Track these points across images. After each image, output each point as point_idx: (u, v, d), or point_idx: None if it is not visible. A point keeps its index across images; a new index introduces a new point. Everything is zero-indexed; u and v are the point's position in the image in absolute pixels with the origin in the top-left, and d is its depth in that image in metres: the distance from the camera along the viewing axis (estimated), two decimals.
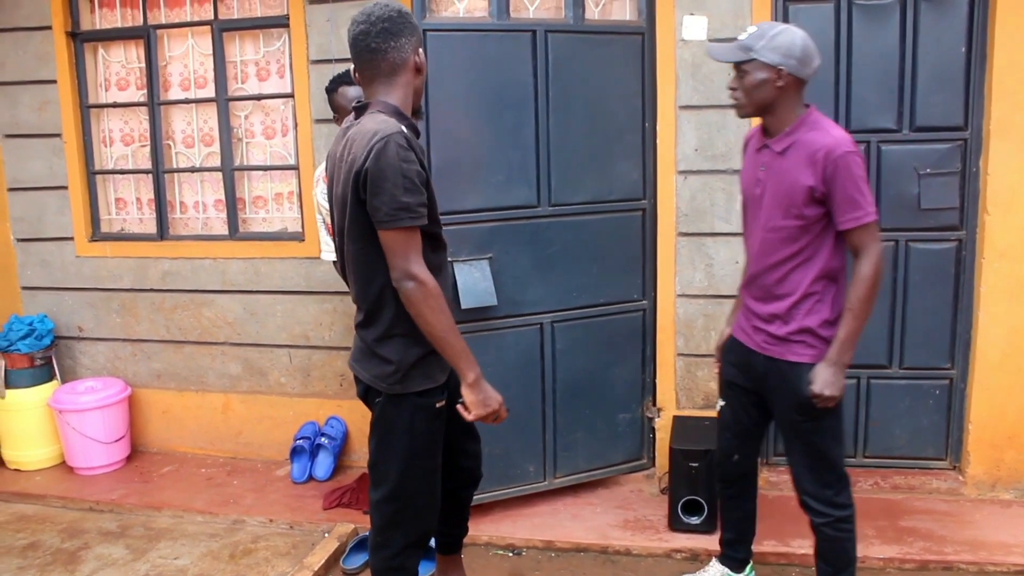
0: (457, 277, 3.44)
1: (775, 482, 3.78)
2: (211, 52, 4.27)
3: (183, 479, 4.27)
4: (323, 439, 4.18)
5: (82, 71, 4.44)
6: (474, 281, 3.47)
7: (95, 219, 4.57)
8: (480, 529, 3.56)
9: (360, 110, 2.22)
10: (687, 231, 3.78)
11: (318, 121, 4.07)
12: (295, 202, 4.31)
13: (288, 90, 4.19)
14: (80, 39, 4.41)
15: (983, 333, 3.61)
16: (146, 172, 4.48)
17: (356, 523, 3.64)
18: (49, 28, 4.34)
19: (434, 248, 2.24)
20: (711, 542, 3.22)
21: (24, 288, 4.66)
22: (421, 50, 2.22)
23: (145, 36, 4.33)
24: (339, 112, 3.44)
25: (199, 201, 4.48)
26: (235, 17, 4.23)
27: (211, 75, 4.30)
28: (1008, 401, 3.62)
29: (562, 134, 3.58)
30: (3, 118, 4.52)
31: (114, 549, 3.61)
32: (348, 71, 3.45)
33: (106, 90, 4.52)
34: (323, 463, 4.16)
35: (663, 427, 3.87)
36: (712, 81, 3.62)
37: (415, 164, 2.07)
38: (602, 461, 3.90)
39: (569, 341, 3.73)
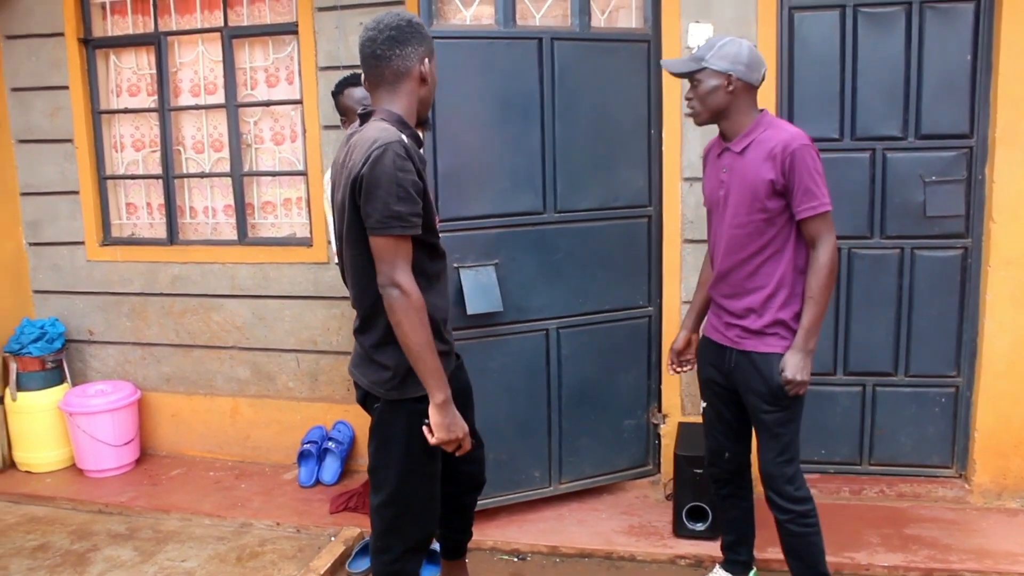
0: (463, 283, 3.46)
1: None
2: (221, 58, 4.31)
3: (191, 482, 4.30)
4: (330, 443, 4.21)
5: (94, 77, 4.49)
6: (480, 287, 3.49)
7: (106, 224, 4.62)
8: (485, 534, 3.58)
9: (365, 117, 2.24)
10: (692, 238, 3.79)
11: (327, 127, 4.10)
12: (303, 207, 4.35)
13: (297, 96, 4.23)
14: (92, 46, 4.46)
15: (989, 341, 3.60)
16: (156, 177, 4.52)
17: (362, 527, 3.65)
18: (62, 35, 4.40)
19: (432, 257, 2.26)
20: (715, 548, 3.22)
21: (36, 292, 4.71)
22: (428, 60, 2.23)
23: (156, 43, 4.38)
24: (345, 114, 3.47)
25: (209, 206, 4.52)
26: (245, 24, 4.28)
27: (221, 81, 4.34)
28: (1014, 409, 3.62)
29: (568, 141, 3.59)
30: (17, 124, 4.58)
31: (123, 551, 3.65)
32: (353, 74, 3.49)
33: (117, 96, 4.57)
34: (330, 467, 4.19)
35: (668, 433, 3.88)
36: None
37: (411, 174, 2.09)
38: (608, 467, 3.91)
39: (575, 347, 3.74)
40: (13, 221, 4.63)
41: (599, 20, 3.74)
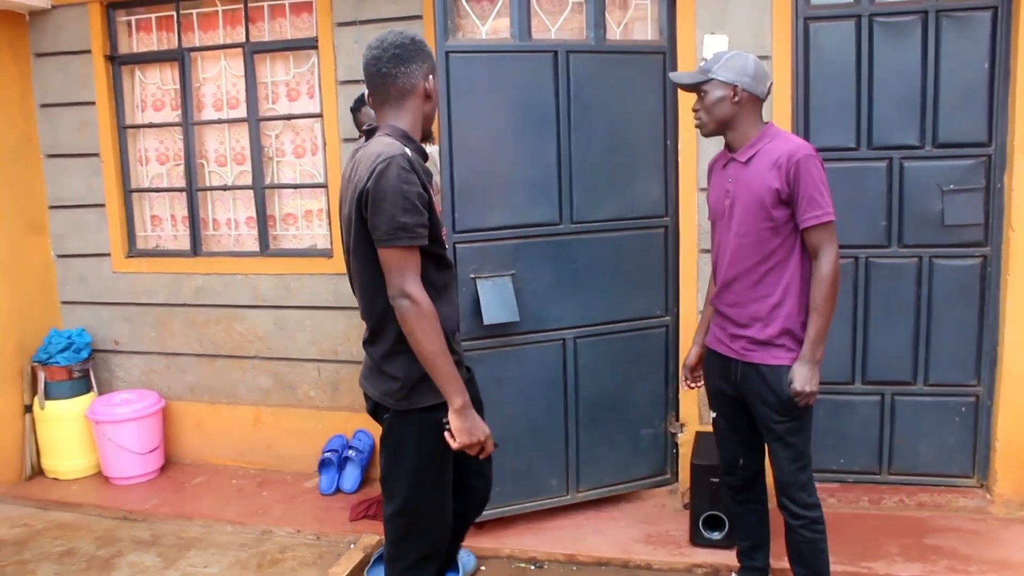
0: (480, 293, 3.50)
1: None
2: (243, 73, 4.39)
3: (214, 490, 4.36)
4: (351, 452, 4.25)
5: (119, 93, 4.59)
6: (497, 297, 3.52)
7: (131, 236, 4.71)
8: (502, 542, 3.61)
9: (370, 133, 2.29)
10: (709, 247, 3.75)
11: (346, 140, 4.16)
12: (324, 219, 4.41)
13: (317, 110, 4.29)
14: (118, 62, 4.56)
15: (1009, 350, 3.58)
16: (180, 190, 4.61)
17: (381, 535, 3.66)
18: (89, 52, 4.50)
19: (439, 268, 2.28)
20: (732, 558, 3.22)
21: (64, 303, 4.81)
22: (432, 77, 2.28)
23: (180, 59, 4.47)
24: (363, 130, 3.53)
25: (231, 218, 4.60)
26: (266, 39, 4.35)
27: (243, 96, 4.42)
28: None
29: (584, 152, 3.62)
30: (45, 139, 4.69)
31: (146, 557, 3.71)
32: None
33: (142, 111, 4.67)
34: (350, 475, 4.23)
35: (686, 442, 3.88)
36: None
37: (416, 186, 2.12)
38: (625, 476, 3.92)
39: (592, 357, 3.76)
40: (42, 234, 4.73)
41: (615, 33, 3.76)
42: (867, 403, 3.81)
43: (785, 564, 3.18)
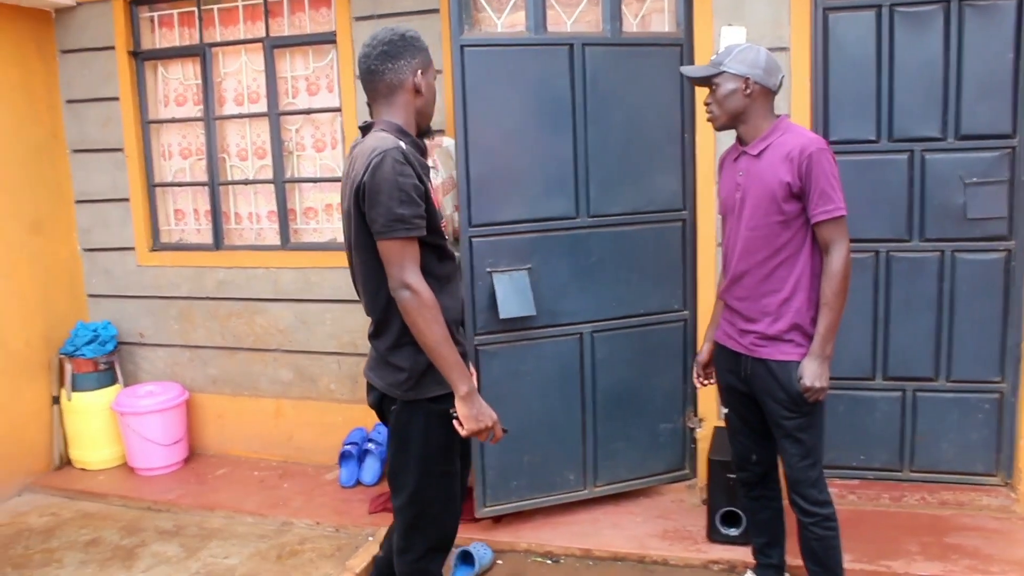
0: (496, 287, 3.50)
1: None
2: (263, 68, 4.42)
3: (236, 481, 4.42)
4: (371, 445, 4.28)
5: (143, 88, 4.64)
6: (513, 291, 3.52)
7: (155, 230, 4.77)
8: (519, 536, 3.62)
9: (366, 129, 2.32)
10: None
11: None
12: None
13: (337, 104, 4.31)
14: (141, 58, 4.61)
15: None
16: (202, 184, 4.66)
17: None
18: (112, 48, 4.56)
19: (440, 259, 2.30)
20: (749, 554, 3.20)
21: (90, 296, 4.88)
22: (422, 72, 2.29)
23: (201, 54, 4.51)
24: None
25: (253, 212, 4.64)
26: (286, 34, 4.38)
27: (263, 90, 4.45)
28: None
29: (600, 145, 3.61)
30: (72, 134, 4.76)
31: (168, 547, 3.77)
32: None
33: (165, 106, 4.72)
34: (370, 468, 4.26)
35: (705, 437, 3.86)
36: None
37: (412, 178, 2.14)
38: (643, 471, 3.91)
39: (609, 351, 3.75)
40: (69, 228, 4.81)
41: (631, 25, 3.74)
42: (888, 399, 3.76)
43: (800, 561, 3.17)
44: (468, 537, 3.57)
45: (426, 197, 2.19)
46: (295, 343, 4.53)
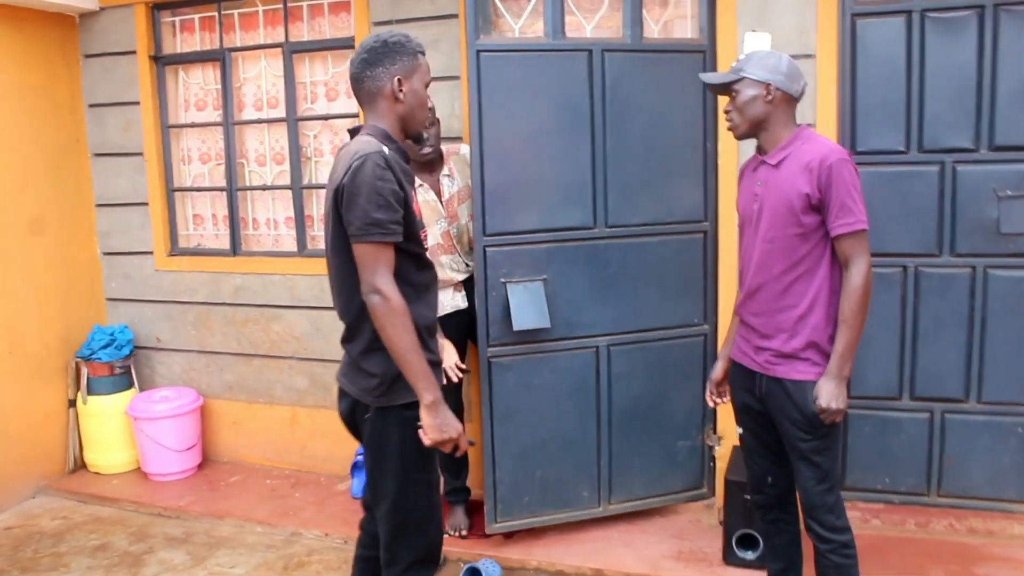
0: (510, 298, 3.42)
1: None
2: (282, 73, 4.40)
3: (248, 489, 4.38)
4: None
5: (163, 93, 4.64)
6: (527, 302, 3.45)
7: (174, 234, 4.76)
8: (530, 553, 3.54)
9: (353, 133, 2.34)
10: None
11: None
12: None
13: (355, 110, 4.27)
14: (162, 62, 4.62)
15: None
16: (221, 189, 4.64)
17: None
18: (134, 53, 4.56)
19: (419, 267, 2.29)
20: None
21: (108, 299, 4.89)
22: (401, 79, 2.26)
23: (221, 59, 4.50)
24: None
25: (271, 218, 4.62)
26: (305, 39, 4.35)
27: (282, 96, 4.43)
28: None
29: (619, 154, 3.52)
30: (93, 138, 4.77)
31: (176, 555, 3.73)
32: None
33: (185, 111, 4.72)
34: None
35: (724, 456, 3.74)
36: None
37: (391, 183, 2.14)
38: (660, 489, 3.80)
39: (626, 365, 3.66)
40: (89, 231, 4.82)
41: (653, 31, 3.65)
42: (915, 420, 3.62)
43: None
44: (477, 553, 3.50)
45: (405, 204, 2.19)
46: (311, 351, 4.49)
